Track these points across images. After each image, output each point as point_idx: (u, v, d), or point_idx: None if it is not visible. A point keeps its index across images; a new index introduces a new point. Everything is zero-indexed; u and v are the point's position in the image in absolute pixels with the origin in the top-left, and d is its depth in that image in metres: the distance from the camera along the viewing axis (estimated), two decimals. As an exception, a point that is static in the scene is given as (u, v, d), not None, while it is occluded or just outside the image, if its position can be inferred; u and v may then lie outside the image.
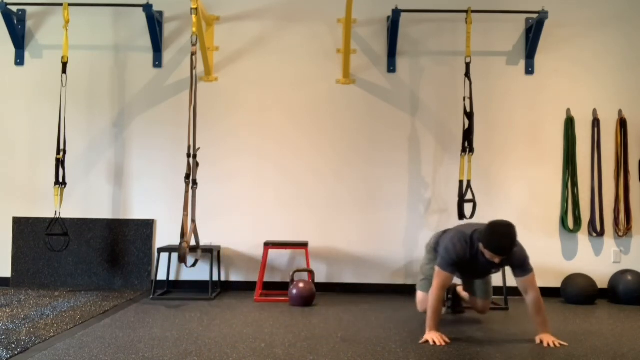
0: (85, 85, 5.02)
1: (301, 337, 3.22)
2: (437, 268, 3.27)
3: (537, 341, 3.15)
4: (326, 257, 4.91)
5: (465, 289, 3.86)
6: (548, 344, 3.08)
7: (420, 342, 3.12)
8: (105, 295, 4.51)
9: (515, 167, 4.93)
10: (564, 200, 4.87)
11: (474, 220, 4.62)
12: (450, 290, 3.94)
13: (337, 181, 4.96)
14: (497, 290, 4.51)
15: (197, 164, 4.37)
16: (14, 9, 4.97)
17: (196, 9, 4.31)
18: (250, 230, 4.92)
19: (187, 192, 4.27)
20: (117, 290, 4.74)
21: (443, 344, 3.07)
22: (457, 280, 3.63)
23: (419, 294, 3.70)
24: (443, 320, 3.77)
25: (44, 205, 4.91)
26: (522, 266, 3.20)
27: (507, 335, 3.36)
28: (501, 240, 3.04)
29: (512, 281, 4.65)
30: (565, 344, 3.10)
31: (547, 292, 4.79)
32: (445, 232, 3.59)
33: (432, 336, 3.12)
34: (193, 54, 4.26)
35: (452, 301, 3.97)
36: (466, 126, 4.53)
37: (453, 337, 3.25)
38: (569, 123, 4.92)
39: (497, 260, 3.10)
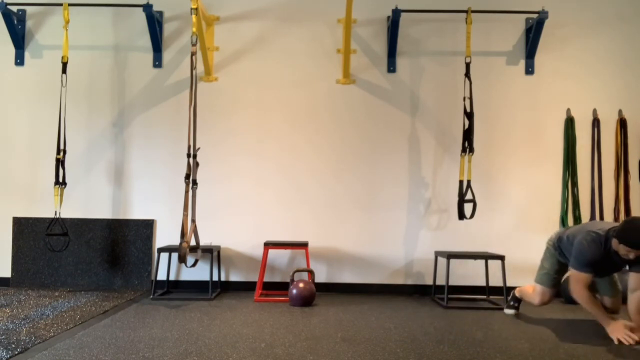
0: (85, 85, 5.02)
1: (301, 337, 3.22)
2: (573, 271, 3.38)
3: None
4: (326, 257, 4.91)
5: (590, 289, 3.88)
6: None
7: (616, 342, 3.17)
8: (105, 295, 4.51)
9: (515, 167, 4.93)
10: (564, 200, 4.87)
11: (474, 221, 4.63)
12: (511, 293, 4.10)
13: (337, 181, 4.96)
14: (497, 291, 4.53)
15: (197, 164, 4.37)
16: (14, 9, 4.97)
17: (196, 9, 4.31)
18: (250, 230, 4.92)
19: (187, 192, 4.27)
20: (117, 290, 4.74)
21: (638, 339, 3.14)
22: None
23: (539, 288, 3.79)
24: (441, 318, 3.78)
25: (44, 205, 4.91)
26: None
27: (507, 335, 3.35)
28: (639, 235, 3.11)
29: (512, 281, 4.68)
30: None
31: (547, 292, 4.81)
32: (567, 228, 3.71)
33: (621, 335, 3.18)
34: (193, 54, 4.26)
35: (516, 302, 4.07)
36: (466, 126, 4.53)
37: (453, 337, 3.26)
38: (569, 123, 4.92)
39: (632, 255, 3.15)
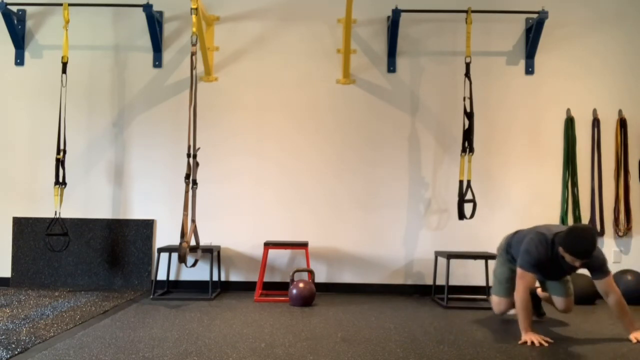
0: (85, 85, 5.02)
1: (301, 337, 3.22)
2: (519, 269, 3.31)
3: (634, 340, 3.17)
4: (326, 257, 4.91)
5: (543, 290, 3.86)
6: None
7: (520, 342, 3.14)
8: (105, 295, 4.51)
9: (515, 167, 4.93)
10: (564, 200, 4.87)
11: (474, 221, 4.63)
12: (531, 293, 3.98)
13: (337, 181, 4.96)
14: (497, 290, 4.52)
15: (197, 164, 4.37)
16: (14, 9, 4.97)
17: (196, 9, 4.31)
18: (250, 230, 4.92)
19: (187, 192, 4.26)
20: (117, 290, 4.74)
21: (545, 344, 3.09)
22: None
23: (494, 298, 3.72)
24: (441, 318, 3.78)
25: (44, 205, 4.91)
26: (600, 269, 3.23)
27: (508, 335, 3.35)
28: (583, 245, 3.07)
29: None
30: None
31: (547, 292, 4.81)
32: (516, 233, 3.64)
33: (531, 337, 3.14)
34: (193, 54, 4.26)
35: (534, 304, 3.94)
36: (466, 126, 4.53)
37: (453, 337, 3.26)
38: (569, 123, 4.92)
39: (577, 264, 3.13)
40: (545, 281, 3.70)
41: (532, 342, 3.11)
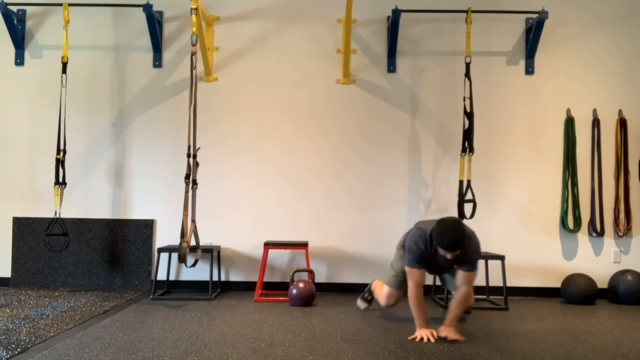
0: (85, 85, 5.02)
1: (301, 337, 3.22)
2: (406, 268, 3.36)
3: (440, 331, 3.20)
4: (326, 257, 4.91)
5: (443, 287, 3.91)
6: (446, 335, 3.16)
7: (410, 338, 3.18)
8: (105, 295, 4.51)
9: (515, 167, 4.93)
10: (564, 200, 4.87)
11: (474, 221, 4.63)
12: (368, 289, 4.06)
13: (337, 181, 4.96)
14: (497, 291, 4.53)
15: (197, 164, 4.37)
16: (14, 9, 4.97)
17: (196, 9, 4.31)
18: (250, 230, 4.92)
19: (187, 192, 4.27)
20: (117, 290, 4.74)
21: (432, 340, 3.13)
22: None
23: (385, 288, 3.74)
24: (441, 318, 3.78)
25: (44, 205, 4.91)
26: (470, 263, 3.28)
27: (507, 335, 3.35)
28: (449, 237, 3.10)
29: (512, 281, 4.68)
30: (462, 338, 3.16)
31: (547, 292, 4.81)
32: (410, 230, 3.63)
33: (423, 333, 3.19)
34: (193, 54, 4.26)
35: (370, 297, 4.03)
36: (466, 126, 4.53)
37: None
38: (569, 123, 4.92)
39: (449, 256, 3.16)
40: (443, 278, 3.72)
41: (424, 338, 3.15)
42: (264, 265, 4.61)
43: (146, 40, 4.99)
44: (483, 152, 4.87)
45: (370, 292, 4.01)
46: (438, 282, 4.65)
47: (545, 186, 4.91)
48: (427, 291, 4.77)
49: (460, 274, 3.29)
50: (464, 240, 3.12)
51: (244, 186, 4.96)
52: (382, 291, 3.78)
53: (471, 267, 3.28)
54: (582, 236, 4.89)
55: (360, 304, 4.04)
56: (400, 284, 3.64)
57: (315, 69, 5.01)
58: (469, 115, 4.51)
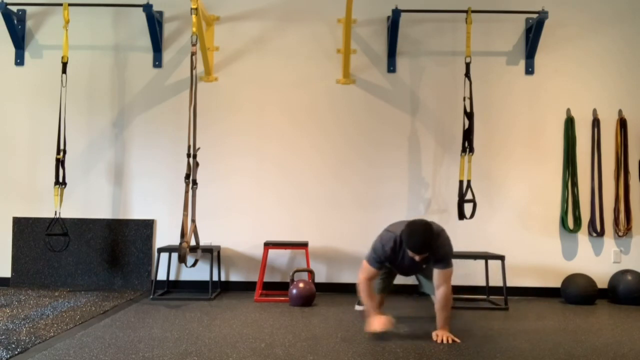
0: (85, 85, 5.02)
1: (301, 337, 3.22)
2: (364, 261, 3.38)
3: (434, 337, 3.19)
4: (326, 257, 4.91)
5: (420, 289, 3.91)
6: (442, 340, 3.14)
7: (367, 330, 3.21)
8: (105, 295, 4.51)
9: (515, 167, 4.93)
10: (564, 200, 4.87)
11: (474, 221, 4.63)
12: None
13: (337, 181, 4.96)
14: (497, 291, 4.53)
15: (197, 164, 4.37)
16: (14, 9, 4.97)
17: (196, 9, 4.31)
18: (250, 230, 4.92)
19: (187, 192, 4.26)
20: (117, 290, 4.74)
21: (387, 325, 3.15)
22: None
23: None
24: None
25: (44, 205, 4.91)
26: (443, 260, 3.27)
27: (507, 335, 3.35)
28: (416, 240, 3.10)
29: (512, 281, 4.68)
30: (457, 340, 3.14)
31: (547, 292, 4.81)
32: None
33: (376, 320, 3.21)
34: (193, 54, 4.26)
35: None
36: (466, 126, 4.53)
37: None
38: (569, 123, 4.92)
39: (417, 258, 3.16)
40: (419, 280, 3.72)
41: (378, 325, 3.17)
42: (264, 265, 4.61)
43: (146, 40, 4.99)
44: (483, 152, 4.87)
45: None
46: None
47: (545, 186, 4.91)
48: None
49: (437, 273, 3.27)
50: (432, 243, 3.13)
51: (244, 186, 4.96)
52: None
53: (446, 264, 3.27)
54: (582, 236, 4.89)
55: (358, 307, 4.06)
56: (382, 289, 3.68)
57: (315, 69, 5.01)
58: (469, 115, 4.51)
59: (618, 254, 4.87)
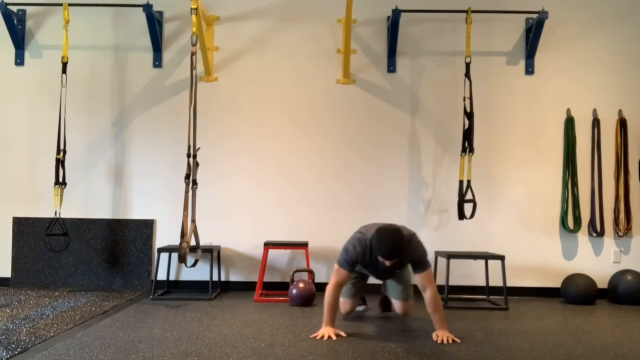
0: (85, 85, 5.02)
1: (301, 337, 3.22)
2: (336, 265, 3.36)
3: (434, 337, 3.18)
4: (326, 257, 4.90)
5: (385, 293, 3.93)
6: (442, 340, 3.13)
7: (312, 336, 3.21)
8: (105, 295, 4.51)
9: (515, 167, 4.93)
10: (564, 200, 4.87)
11: (474, 221, 4.64)
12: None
13: (337, 181, 4.96)
14: (497, 291, 4.53)
15: (197, 164, 4.37)
16: (14, 9, 4.96)
17: (196, 9, 4.31)
18: (250, 230, 4.92)
19: (187, 192, 4.26)
20: (117, 290, 4.74)
21: (334, 338, 3.15)
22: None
23: (340, 299, 3.66)
24: (445, 318, 3.78)
25: (44, 205, 4.91)
26: (419, 263, 3.27)
27: (507, 335, 3.35)
28: (385, 246, 3.10)
29: (512, 281, 4.69)
30: (458, 340, 3.14)
31: (547, 292, 4.81)
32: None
33: (325, 331, 3.21)
34: (193, 54, 4.26)
35: (384, 303, 4.04)
36: (466, 126, 4.53)
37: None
38: (569, 123, 4.92)
39: (388, 263, 3.15)
40: (385, 284, 3.72)
41: (326, 336, 3.17)
42: (264, 265, 4.61)
43: (146, 40, 4.99)
44: (483, 152, 4.87)
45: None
46: (438, 282, 4.66)
47: (545, 186, 4.91)
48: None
49: (419, 278, 3.26)
50: (402, 249, 3.13)
51: (244, 186, 4.96)
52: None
53: (423, 267, 3.26)
54: (582, 236, 4.89)
55: (358, 308, 4.03)
56: (354, 293, 3.68)
57: (315, 69, 5.01)
58: (469, 115, 4.51)
59: (618, 254, 4.87)
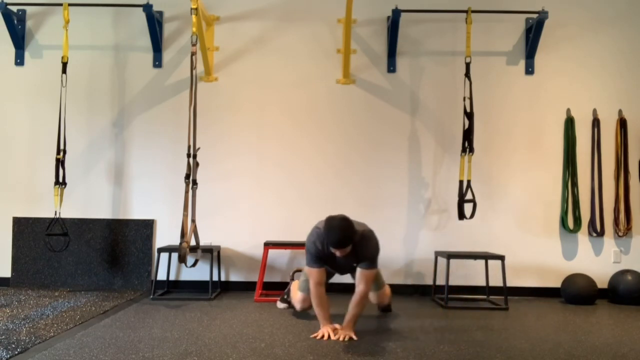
0: (85, 85, 5.02)
1: (301, 337, 3.22)
2: (305, 268, 3.41)
3: (334, 333, 3.19)
4: (326, 257, 4.90)
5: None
6: (341, 338, 3.14)
7: (312, 336, 3.21)
8: (105, 295, 4.51)
9: (515, 167, 4.93)
10: (564, 200, 4.87)
11: (475, 221, 4.64)
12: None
13: (337, 181, 4.96)
14: (497, 291, 4.53)
15: (197, 164, 4.37)
16: (14, 9, 4.96)
17: (196, 9, 4.31)
18: (250, 230, 4.92)
19: (187, 192, 4.27)
20: (117, 290, 4.74)
21: (334, 335, 3.16)
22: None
23: (299, 294, 3.76)
24: (441, 318, 3.78)
25: (44, 205, 4.91)
26: (367, 260, 3.30)
27: (507, 335, 3.36)
28: (335, 234, 3.12)
29: (512, 281, 4.68)
30: (355, 338, 3.15)
31: (547, 292, 4.82)
32: None
33: (324, 330, 3.22)
34: (193, 54, 4.26)
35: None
36: (466, 126, 4.53)
37: (453, 337, 3.26)
38: (569, 123, 4.92)
39: (338, 253, 3.17)
40: (349, 275, 3.73)
41: (327, 335, 3.17)
42: (264, 265, 4.61)
43: (146, 40, 4.99)
44: (483, 152, 4.88)
45: (289, 294, 4.03)
46: (438, 282, 4.67)
47: (545, 186, 4.91)
48: (427, 291, 4.79)
49: (359, 272, 3.28)
50: (351, 237, 3.13)
51: (244, 186, 4.96)
52: (296, 296, 3.81)
53: (370, 264, 3.28)
54: (582, 236, 4.89)
55: (279, 304, 4.09)
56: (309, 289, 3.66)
57: (315, 69, 5.01)
58: (469, 115, 4.51)
59: (618, 254, 4.87)
